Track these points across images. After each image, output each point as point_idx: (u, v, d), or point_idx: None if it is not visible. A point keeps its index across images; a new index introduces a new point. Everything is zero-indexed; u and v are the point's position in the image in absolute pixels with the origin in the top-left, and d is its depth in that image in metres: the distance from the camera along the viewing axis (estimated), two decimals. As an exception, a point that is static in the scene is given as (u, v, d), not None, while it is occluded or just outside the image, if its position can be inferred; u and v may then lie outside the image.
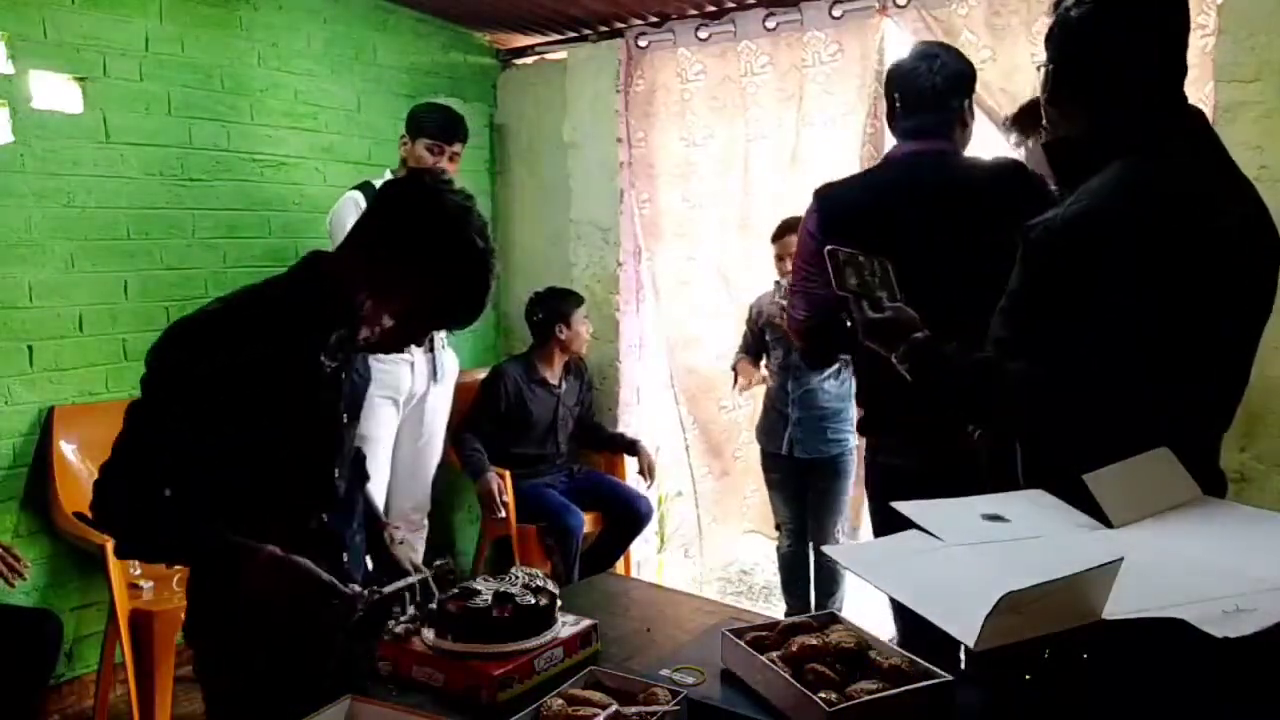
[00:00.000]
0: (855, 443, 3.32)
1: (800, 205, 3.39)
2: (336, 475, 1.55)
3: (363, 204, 2.96)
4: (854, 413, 3.30)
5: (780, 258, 3.22)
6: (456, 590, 1.52)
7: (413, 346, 3.06)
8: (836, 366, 3.24)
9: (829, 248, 1.59)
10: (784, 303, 3.04)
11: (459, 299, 1.45)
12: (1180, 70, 1.37)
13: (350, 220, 2.90)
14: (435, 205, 1.40)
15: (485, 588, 1.52)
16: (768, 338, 3.39)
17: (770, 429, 3.37)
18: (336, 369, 1.50)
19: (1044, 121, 1.49)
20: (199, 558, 1.45)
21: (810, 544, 3.41)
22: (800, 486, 3.40)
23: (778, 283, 3.17)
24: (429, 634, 1.49)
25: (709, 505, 3.87)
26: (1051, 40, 1.42)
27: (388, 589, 1.48)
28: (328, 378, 1.48)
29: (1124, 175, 1.30)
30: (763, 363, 3.40)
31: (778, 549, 3.49)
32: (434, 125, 3.05)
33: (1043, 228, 1.33)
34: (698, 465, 3.87)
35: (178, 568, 2.95)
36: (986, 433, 1.51)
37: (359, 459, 1.73)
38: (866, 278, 1.54)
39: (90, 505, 1.39)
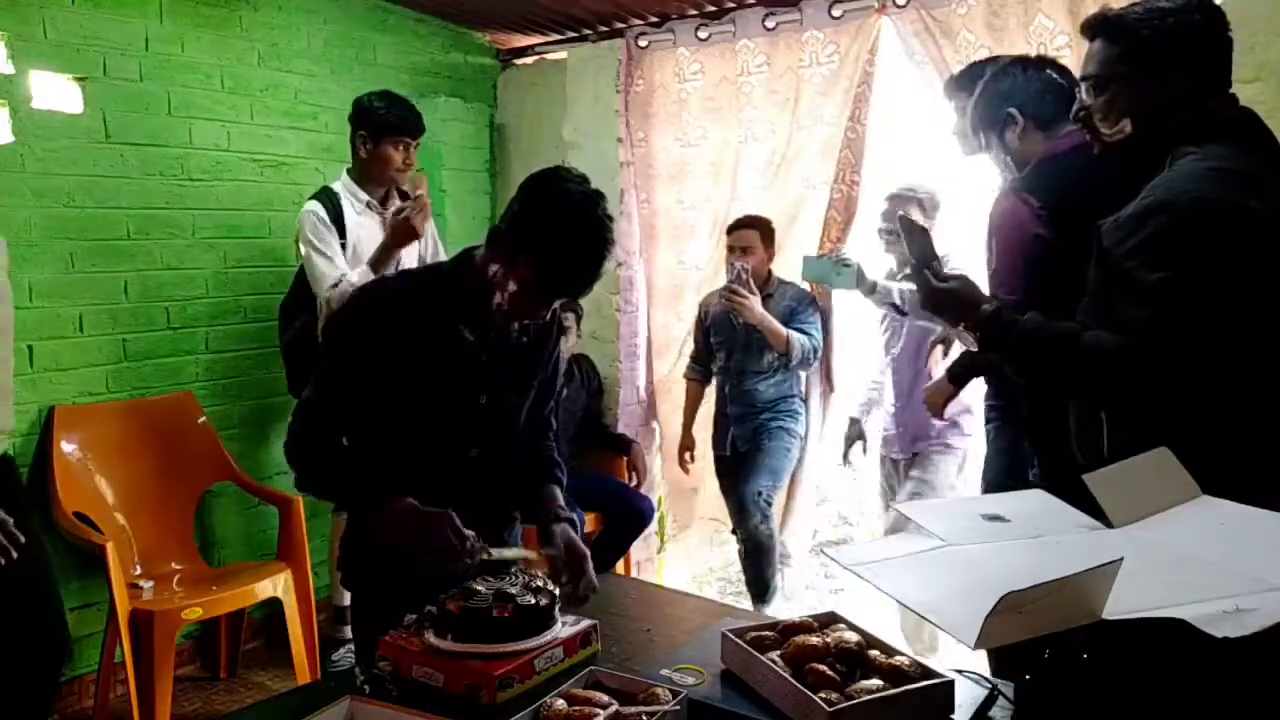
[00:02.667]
0: (795, 429, 3.39)
1: (790, 207, 3.43)
2: (472, 453, 1.74)
3: (321, 213, 2.86)
4: (798, 407, 3.41)
5: (732, 249, 3.31)
6: (455, 590, 1.51)
7: None
8: (775, 368, 3.32)
9: (901, 213, 1.66)
10: (732, 295, 3.14)
11: (568, 267, 1.60)
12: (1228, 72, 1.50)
13: (309, 231, 2.85)
14: (561, 190, 1.61)
15: (485, 588, 1.51)
16: (713, 339, 3.46)
17: (717, 433, 3.48)
18: (476, 345, 1.68)
19: (1101, 131, 1.54)
20: (355, 499, 1.71)
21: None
22: None
23: (733, 266, 3.21)
24: (429, 634, 1.49)
25: (671, 508, 3.95)
26: (1159, 49, 1.46)
27: (499, 553, 1.61)
28: (469, 349, 1.67)
29: (1193, 168, 1.37)
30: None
31: (739, 551, 3.50)
32: (402, 122, 2.93)
33: (1114, 223, 1.39)
34: (664, 469, 3.94)
35: (177, 567, 2.98)
36: (1067, 401, 1.54)
37: (545, 460, 1.90)
38: (930, 247, 1.59)
39: (284, 444, 1.70)
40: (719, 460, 3.52)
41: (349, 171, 3.01)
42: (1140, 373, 1.31)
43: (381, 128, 2.92)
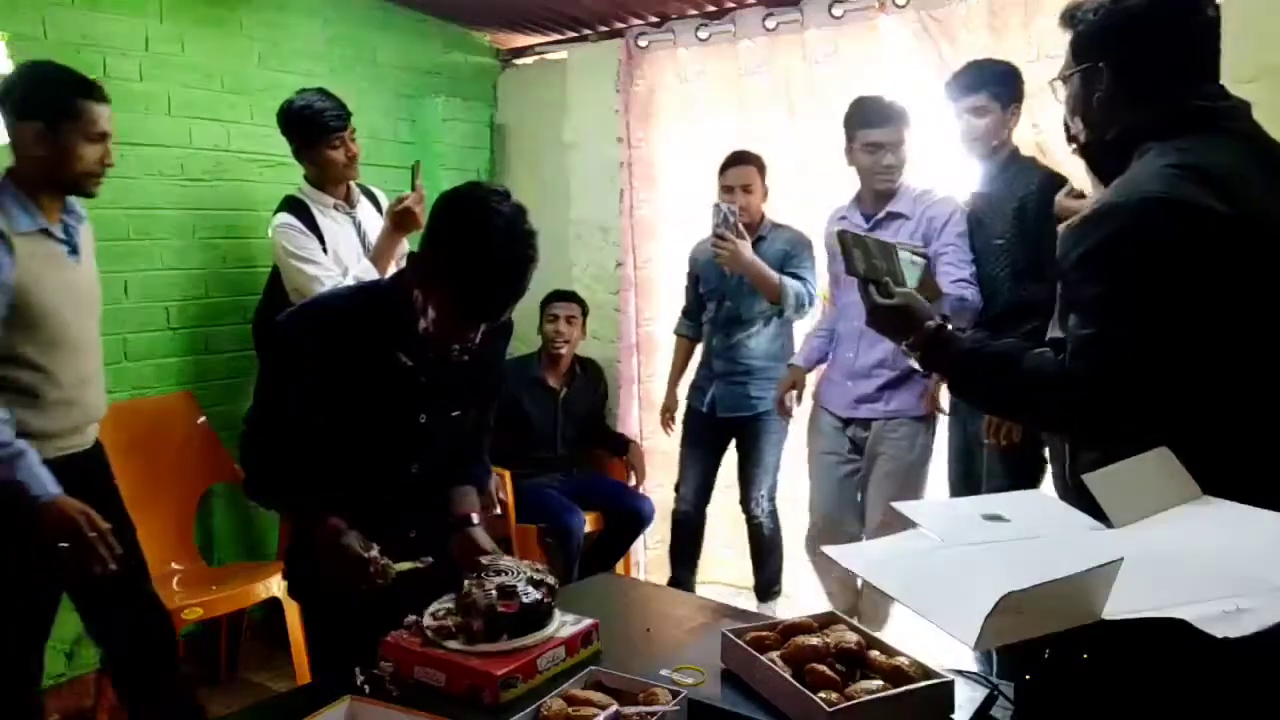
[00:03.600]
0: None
1: (790, 211, 3.42)
2: (413, 469, 1.72)
3: (296, 223, 2.82)
4: (784, 373, 3.16)
5: (730, 189, 3.14)
6: (496, 591, 1.51)
7: None
8: (768, 318, 3.18)
9: (839, 229, 1.57)
10: (719, 241, 2.92)
11: (477, 293, 1.53)
12: (1218, 56, 1.38)
13: (289, 243, 2.79)
14: (485, 208, 1.52)
15: (516, 581, 1.52)
16: (702, 290, 3.36)
17: (698, 385, 3.36)
18: (414, 367, 1.64)
19: (1080, 127, 1.44)
20: (294, 512, 1.73)
21: (706, 510, 3.44)
22: (715, 448, 3.37)
23: (719, 208, 2.98)
24: (457, 640, 1.49)
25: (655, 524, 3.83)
26: (1098, 41, 1.37)
27: (398, 567, 1.59)
28: (407, 370, 1.64)
29: (1149, 166, 1.28)
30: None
31: (673, 512, 3.44)
32: (328, 119, 2.85)
33: (1066, 229, 1.32)
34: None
35: (178, 567, 2.98)
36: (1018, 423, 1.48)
37: (473, 458, 1.86)
38: (875, 262, 1.53)
39: (239, 452, 1.74)
40: (692, 415, 3.38)
41: (305, 178, 2.97)
42: (1083, 392, 1.25)
43: (311, 134, 2.87)
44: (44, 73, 2.12)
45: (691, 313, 3.48)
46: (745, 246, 2.97)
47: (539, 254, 1.56)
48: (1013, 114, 2.55)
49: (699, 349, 3.47)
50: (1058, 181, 2.42)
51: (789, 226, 3.23)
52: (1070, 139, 1.48)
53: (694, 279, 3.42)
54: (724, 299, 3.25)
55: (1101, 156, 1.41)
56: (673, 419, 3.55)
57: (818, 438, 3.01)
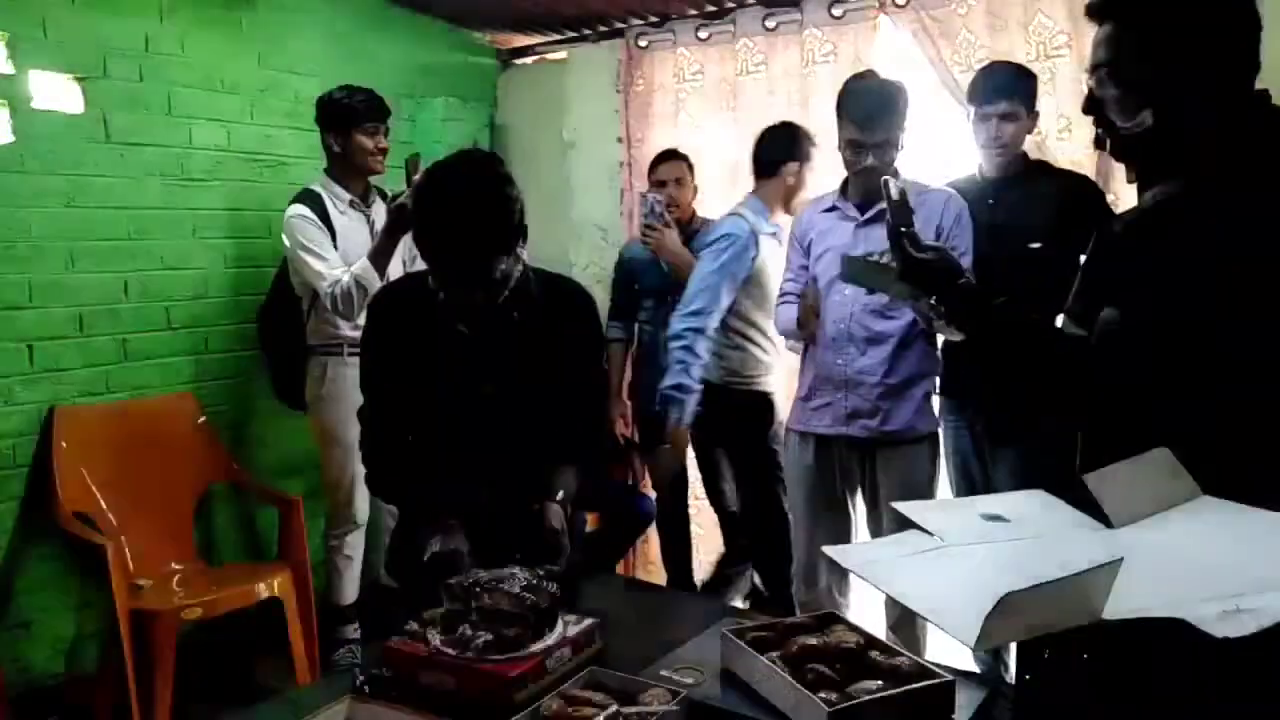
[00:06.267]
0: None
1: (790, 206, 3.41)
2: (500, 438, 1.79)
3: (310, 214, 2.87)
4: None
5: (664, 183, 3.23)
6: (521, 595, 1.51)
7: None
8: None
9: (885, 177, 1.54)
10: (647, 230, 3.06)
11: (423, 230, 1.71)
12: (1256, 62, 1.33)
13: (300, 234, 2.85)
14: (432, 167, 1.74)
15: (515, 583, 1.52)
16: (639, 286, 3.36)
17: (644, 386, 3.31)
18: (478, 335, 1.76)
19: (1118, 126, 1.38)
20: (411, 507, 1.86)
21: (682, 506, 3.42)
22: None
23: (645, 198, 3.14)
24: (435, 639, 1.48)
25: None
26: (1143, 40, 1.32)
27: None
28: (467, 339, 1.76)
29: (1214, 168, 1.27)
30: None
31: (655, 514, 3.34)
32: (366, 108, 2.96)
33: (1125, 219, 1.33)
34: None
35: (177, 567, 2.98)
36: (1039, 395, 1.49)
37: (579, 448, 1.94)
38: (909, 216, 1.51)
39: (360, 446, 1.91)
40: (646, 418, 3.31)
41: (326, 172, 3.03)
42: (1132, 372, 1.26)
43: (348, 117, 2.95)
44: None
45: (622, 313, 3.45)
46: (671, 234, 3.10)
47: (509, 205, 1.66)
48: (1033, 119, 2.54)
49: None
50: (1091, 185, 2.49)
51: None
52: (1110, 132, 1.40)
53: (628, 277, 3.41)
54: (666, 294, 3.22)
55: (1161, 149, 1.35)
56: (625, 424, 3.53)
57: (798, 470, 2.71)
